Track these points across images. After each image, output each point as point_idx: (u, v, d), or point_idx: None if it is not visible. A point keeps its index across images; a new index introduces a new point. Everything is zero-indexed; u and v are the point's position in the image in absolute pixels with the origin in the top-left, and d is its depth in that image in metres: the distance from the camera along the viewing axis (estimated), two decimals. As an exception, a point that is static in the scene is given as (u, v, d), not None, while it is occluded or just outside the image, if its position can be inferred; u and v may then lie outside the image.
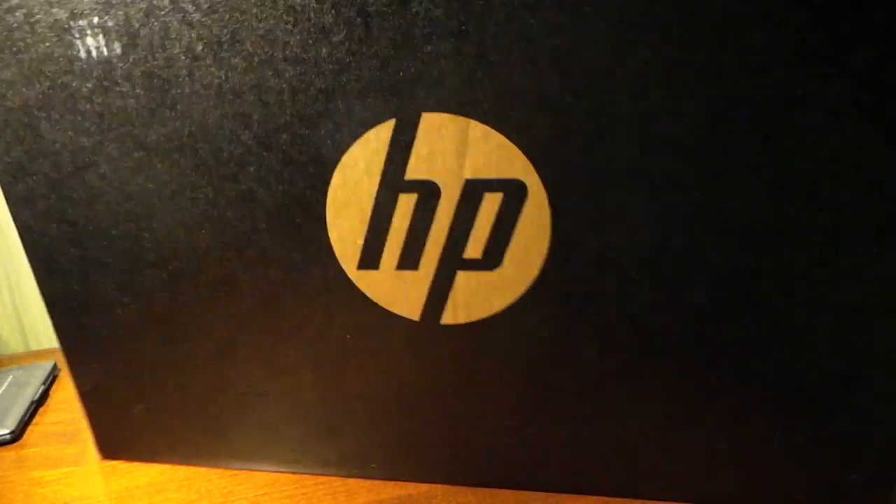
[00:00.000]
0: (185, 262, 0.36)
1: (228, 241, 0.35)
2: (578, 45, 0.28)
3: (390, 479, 0.40)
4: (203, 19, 0.30)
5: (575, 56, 0.28)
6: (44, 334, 0.61)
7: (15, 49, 0.32)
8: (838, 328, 0.31)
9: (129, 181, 0.34)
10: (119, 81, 0.32)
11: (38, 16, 0.31)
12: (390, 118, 0.30)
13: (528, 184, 0.31)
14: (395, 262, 0.34)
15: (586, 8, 0.27)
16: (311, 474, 0.41)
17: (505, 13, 0.28)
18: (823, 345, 0.32)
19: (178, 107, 0.32)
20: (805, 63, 0.27)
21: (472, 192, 0.32)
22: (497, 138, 0.30)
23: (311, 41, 0.29)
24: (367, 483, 0.40)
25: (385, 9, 0.28)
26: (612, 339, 0.34)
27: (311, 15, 0.29)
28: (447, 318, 0.35)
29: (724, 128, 0.28)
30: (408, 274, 0.34)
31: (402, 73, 0.30)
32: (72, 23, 0.31)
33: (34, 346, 0.61)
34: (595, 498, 0.38)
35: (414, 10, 0.28)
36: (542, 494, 0.38)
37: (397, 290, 0.35)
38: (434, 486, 0.39)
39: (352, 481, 0.40)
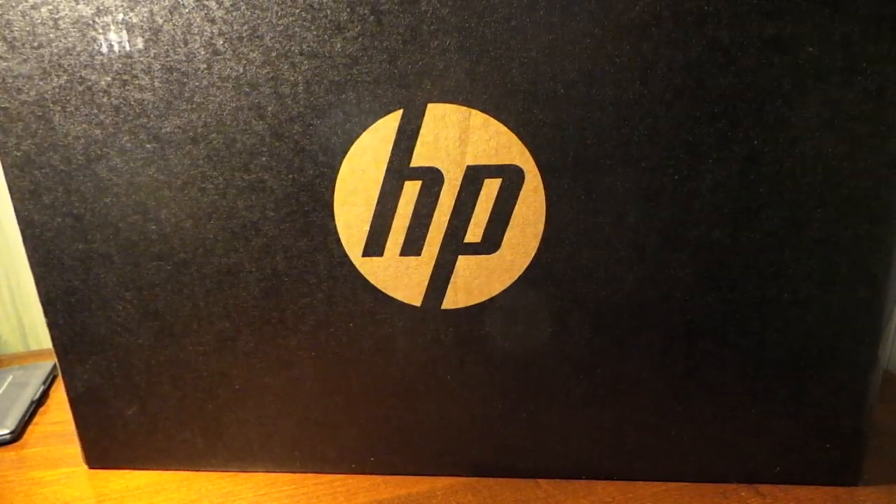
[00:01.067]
0: (191, 254, 0.37)
1: (236, 231, 0.36)
2: (569, 42, 0.31)
3: (389, 474, 0.41)
4: (225, 16, 0.32)
5: (566, 51, 0.31)
6: (44, 334, 0.59)
7: (36, 44, 0.34)
8: (807, 301, 0.35)
9: (140, 173, 0.36)
10: (138, 75, 0.34)
11: (63, 12, 0.33)
12: (398, 108, 0.33)
13: (524, 169, 0.34)
14: (398, 248, 0.36)
15: (576, 8, 0.31)
16: (310, 473, 0.41)
17: (504, 12, 0.31)
18: (794, 318, 0.35)
19: (195, 99, 0.34)
20: (767, 57, 0.31)
21: (473, 177, 0.34)
22: (496, 126, 0.33)
23: (326, 36, 0.32)
24: (367, 483, 0.40)
25: (396, 6, 0.31)
26: (604, 317, 0.36)
27: (328, 12, 0.32)
28: (448, 302, 0.37)
29: (698, 115, 0.32)
30: (411, 259, 0.36)
31: (410, 66, 0.32)
32: (96, 19, 0.33)
33: (34, 346, 0.60)
34: (592, 483, 0.39)
35: (422, 8, 0.31)
36: (542, 493, 0.39)
37: (400, 276, 0.36)
38: (434, 485, 0.40)
39: (351, 481, 0.41)
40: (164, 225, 0.37)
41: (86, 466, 0.43)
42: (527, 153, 0.33)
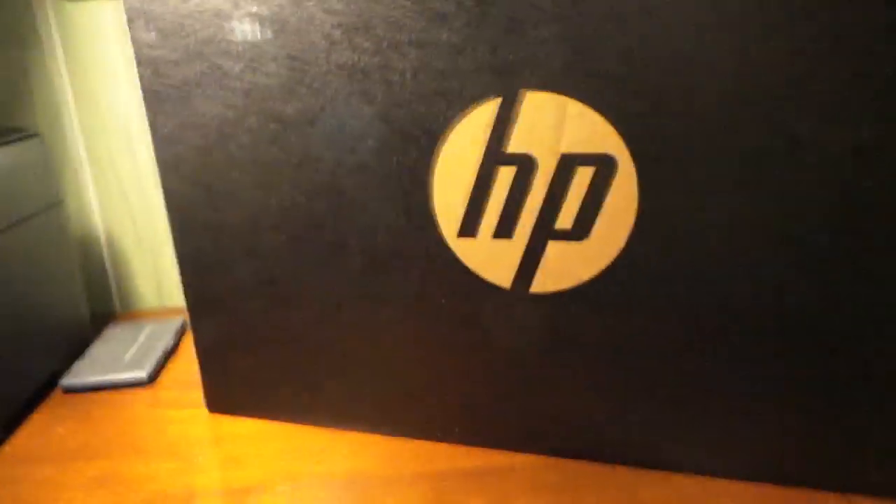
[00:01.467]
0: (304, 228, 0.41)
1: (343, 209, 0.39)
2: (669, 31, 0.31)
3: (470, 445, 0.43)
4: (342, 8, 0.35)
5: (665, 40, 0.31)
6: (177, 293, 0.68)
7: (184, 34, 0.38)
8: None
9: (264, 151, 0.40)
10: (266, 62, 0.37)
11: (207, 4, 0.37)
12: (497, 96, 0.35)
13: (618, 159, 0.34)
14: (491, 231, 0.37)
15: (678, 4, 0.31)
16: (398, 437, 0.44)
17: (607, 4, 0.32)
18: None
19: (314, 85, 0.37)
20: (883, 45, 0.29)
21: (567, 165, 0.35)
22: (592, 116, 0.34)
23: (432, 26, 0.34)
24: (450, 451, 0.43)
25: (500, -2, 0.33)
26: (695, 312, 0.36)
27: (435, 3, 0.34)
28: (536, 286, 0.38)
29: (802, 105, 0.31)
30: (503, 242, 0.37)
31: (510, 56, 0.34)
32: (234, 10, 0.37)
33: (168, 303, 0.69)
34: (671, 475, 0.39)
35: (525, -1, 0.32)
36: (618, 479, 0.39)
37: (492, 258, 0.38)
38: (514, 460, 0.41)
39: (434, 447, 0.43)
40: (282, 200, 0.41)
41: (207, 410, 0.49)
42: (621, 143, 0.34)
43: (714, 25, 0.31)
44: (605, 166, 0.34)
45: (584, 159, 0.34)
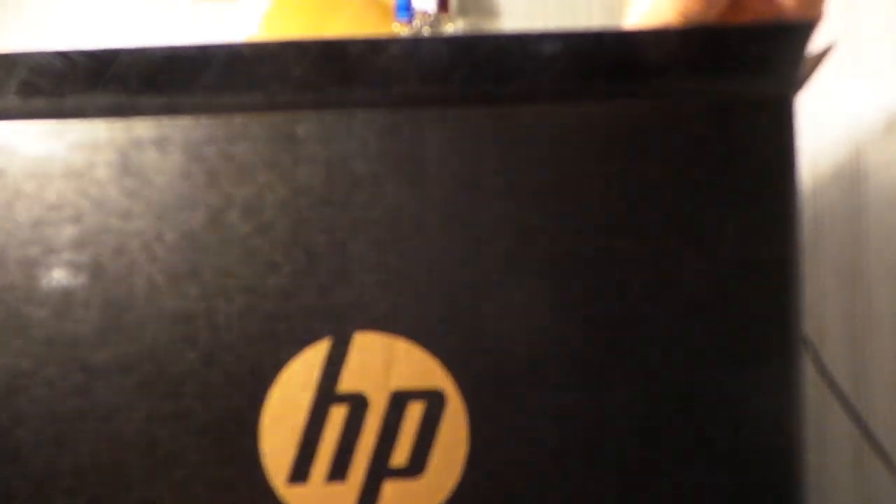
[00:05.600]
0: (107, 487, 0.35)
1: (157, 461, 0.35)
2: (483, 276, 0.35)
3: None
4: (167, 256, 0.35)
5: (481, 284, 0.35)
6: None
7: (-21, 280, 0.35)
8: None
9: (62, 403, 0.35)
10: (75, 308, 0.35)
11: (11, 252, 0.35)
12: (327, 337, 0.35)
13: (446, 393, 0.35)
14: (324, 475, 0.36)
15: (490, 248, 0.35)
16: None
17: (425, 252, 0.35)
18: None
19: (130, 331, 0.35)
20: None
21: (398, 402, 0.36)
22: (419, 353, 0.35)
23: (261, 273, 0.35)
24: None
25: (326, 248, 0.35)
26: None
27: (264, 252, 0.35)
28: (373, 531, 0.36)
29: (602, 339, 0.35)
30: (336, 486, 0.36)
31: (338, 299, 0.35)
32: (43, 258, 0.35)
33: None
34: None
35: (350, 250, 0.35)
36: None
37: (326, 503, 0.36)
38: None
39: None
40: (80, 456, 0.36)
41: None
42: (448, 378, 0.35)
43: (526, 271, 0.35)
44: (434, 401, 0.35)
45: (414, 395, 0.35)
